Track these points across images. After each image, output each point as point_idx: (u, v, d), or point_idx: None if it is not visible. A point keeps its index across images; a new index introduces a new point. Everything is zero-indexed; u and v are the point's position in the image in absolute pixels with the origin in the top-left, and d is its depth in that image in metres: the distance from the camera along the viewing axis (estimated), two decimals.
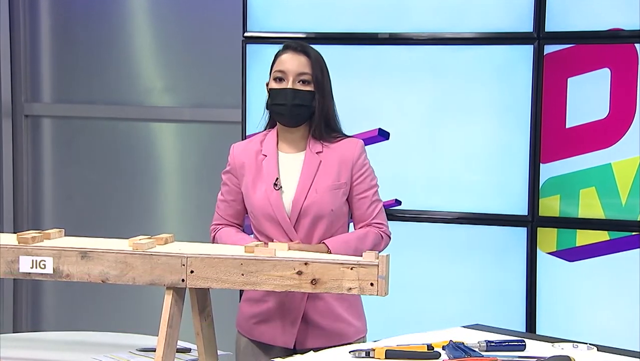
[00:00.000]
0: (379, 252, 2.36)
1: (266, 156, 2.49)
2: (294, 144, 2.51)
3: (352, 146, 2.51)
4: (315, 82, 2.46)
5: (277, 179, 2.46)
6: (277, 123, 2.53)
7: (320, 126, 2.48)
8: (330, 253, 2.38)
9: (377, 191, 2.54)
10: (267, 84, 2.53)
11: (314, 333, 2.47)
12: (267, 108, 2.54)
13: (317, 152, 2.48)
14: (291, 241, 2.42)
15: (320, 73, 2.47)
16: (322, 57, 2.51)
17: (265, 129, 2.58)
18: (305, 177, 2.46)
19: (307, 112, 2.47)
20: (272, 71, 2.50)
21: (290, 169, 2.48)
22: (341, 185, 2.48)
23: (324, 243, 2.42)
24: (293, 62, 2.46)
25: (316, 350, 2.03)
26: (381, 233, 2.51)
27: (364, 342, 2.52)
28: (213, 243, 2.53)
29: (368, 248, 2.44)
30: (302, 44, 2.51)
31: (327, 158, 2.48)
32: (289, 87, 2.44)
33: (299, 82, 2.45)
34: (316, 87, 2.46)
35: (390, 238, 2.54)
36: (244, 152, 2.53)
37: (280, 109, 2.46)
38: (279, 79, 2.47)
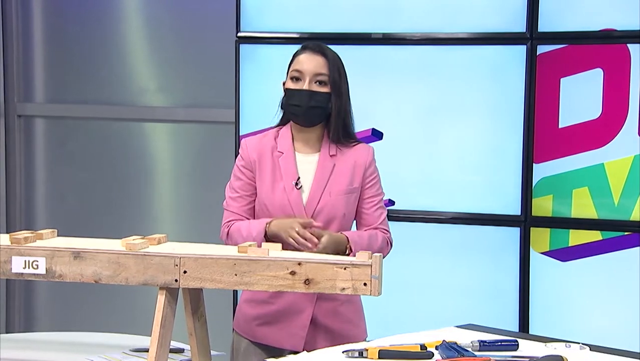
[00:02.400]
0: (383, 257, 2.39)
1: (282, 153, 2.49)
2: (309, 144, 2.51)
3: (365, 151, 2.53)
4: (332, 83, 2.45)
5: (298, 178, 2.46)
6: (292, 122, 2.53)
7: (337, 128, 2.48)
8: (349, 241, 2.40)
9: (382, 198, 2.56)
10: (284, 83, 2.52)
11: (322, 336, 2.47)
12: (281, 107, 2.54)
13: (331, 155, 2.49)
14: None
15: (337, 74, 2.47)
16: (339, 58, 2.50)
17: (277, 126, 2.57)
18: (319, 180, 2.47)
19: (322, 113, 2.47)
20: (290, 70, 2.49)
21: (305, 169, 2.49)
22: (354, 190, 2.49)
23: (342, 233, 2.42)
24: (310, 63, 2.45)
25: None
26: (387, 238, 2.53)
27: None
28: (226, 240, 2.49)
29: (376, 248, 2.44)
30: (320, 45, 2.51)
31: (341, 162, 2.49)
32: (305, 88, 2.44)
33: (315, 82, 2.45)
34: (332, 89, 2.46)
35: (392, 246, 2.55)
36: (259, 147, 2.51)
37: (296, 110, 2.46)
38: (296, 79, 2.46)
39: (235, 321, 2.59)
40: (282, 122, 2.56)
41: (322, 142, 2.51)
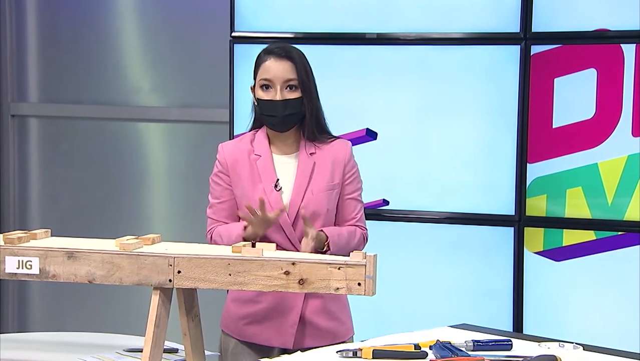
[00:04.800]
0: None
1: (260, 156, 2.49)
2: (286, 146, 2.52)
3: (343, 147, 2.54)
4: (302, 87, 2.46)
5: (277, 180, 2.47)
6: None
7: (312, 128, 2.49)
8: (328, 239, 2.40)
9: (361, 193, 2.57)
10: (252, 88, 2.52)
11: (310, 333, 2.48)
12: (254, 112, 2.54)
13: (310, 154, 2.49)
14: (290, 240, 2.43)
15: (305, 76, 2.47)
16: (305, 56, 2.50)
17: (251, 130, 2.58)
18: (301, 179, 2.47)
19: (297, 117, 2.48)
20: (258, 78, 2.48)
21: (285, 170, 2.49)
22: (335, 185, 2.50)
23: (322, 230, 2.42)
24: (278, 69, 2.45)
25: (305, 349, 2.03)
26: (364, 235, 2.55)
27: (352, 342, 2.53)
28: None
29: (354, 245, 2.47)
30: (284, 48, 2.50)
31: (321, 159, 2.49)
32: (277, 98, 2.43)
33: (286, 88, 2.45)
34: (303, 91, 2.46)
35: (367, 241, 2.56)
36: (235, 151, 2.51)
37: (272, 120, 2.47)
38: (266, 87, 2.46)
39: (222, 321, 2.58)
40: (256, 126, 2.56)
41: (299, 143, 2.51)
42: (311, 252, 2.35)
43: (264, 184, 2.46)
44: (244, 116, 3.40)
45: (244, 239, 2.38)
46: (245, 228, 2.41)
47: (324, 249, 2.42)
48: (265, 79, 2.46)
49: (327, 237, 2.42)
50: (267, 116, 2.46)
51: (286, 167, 2.49)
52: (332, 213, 2.50)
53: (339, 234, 2.46)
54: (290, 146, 2.52)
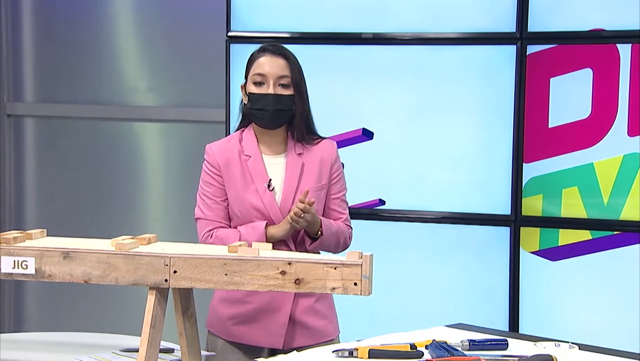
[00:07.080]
0: (342, 251, 2.46)
1: (250, 156, 2.49)
2: (274, 146, 2.52)
3: (330, 147, 2.55)
4: (294, 85, 2.47)
5: (270, 180, 2.47)
6: (254, 124, 2.53)
7: (301, 128, 2.50)
8: (322, 225, 2.44)
9: (345, 193, 2.59)
10: (243, 86, 2.52)
11: (300, 333, 2.48)
12: (243, 110, 2.55)
13: (298, 154, 2.50)
14: (284, 240, 2.44)
15: (298, 76, 2.49)
16: (297, 58, 2.51)
17: (238, 129, 2.58)
18: (290, 180, 2.48)
19: (287, 115, 2.48)
20: (251, 74, 2.49)
21: (274, 171, 2.50)
22: (323, 186, 2.51)
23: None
24: (272, 66, 2.46)
25: (301, 348, 2.04)
26: (350, 234, 2.57)
27: (338, 341, 2.54)
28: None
29: (342, 238, 2.52)
30: (279, 47, 2.52)
31: (309, 160, 2.50)
32: (270, 92, 2.44)
33: (279, 85, 2.46)
34: (295, 90, 2.47)
35: (351, 240, 2.58)
36: (225, 151, 2.52)
37: (262, 114, 2.47)
38: (259, 83, 2.47)
39: (208, 321, 2.59)
40: (243, 125, 2.56)
41: (287, 143, 2.52)
42: (298, 221, 2.38)
43: (257, 185, 2.46)
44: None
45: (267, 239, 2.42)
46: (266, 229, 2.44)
47: (318, 234, 2.44)
48: (259, 74, 2.46)
49: (320, 221, 2.44)
50: (257, 110, 2.47)
51: (275, 167, 2.50)
52: (319, 214, 2.50)
53: (330, 222, 2.49)
54: (278, 146, 2.52)
